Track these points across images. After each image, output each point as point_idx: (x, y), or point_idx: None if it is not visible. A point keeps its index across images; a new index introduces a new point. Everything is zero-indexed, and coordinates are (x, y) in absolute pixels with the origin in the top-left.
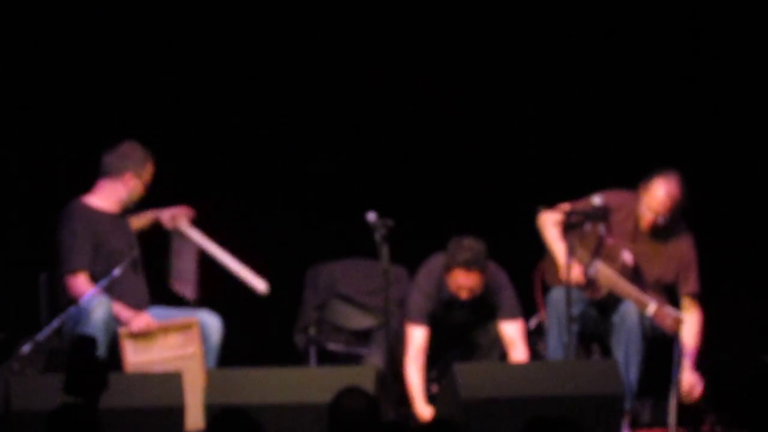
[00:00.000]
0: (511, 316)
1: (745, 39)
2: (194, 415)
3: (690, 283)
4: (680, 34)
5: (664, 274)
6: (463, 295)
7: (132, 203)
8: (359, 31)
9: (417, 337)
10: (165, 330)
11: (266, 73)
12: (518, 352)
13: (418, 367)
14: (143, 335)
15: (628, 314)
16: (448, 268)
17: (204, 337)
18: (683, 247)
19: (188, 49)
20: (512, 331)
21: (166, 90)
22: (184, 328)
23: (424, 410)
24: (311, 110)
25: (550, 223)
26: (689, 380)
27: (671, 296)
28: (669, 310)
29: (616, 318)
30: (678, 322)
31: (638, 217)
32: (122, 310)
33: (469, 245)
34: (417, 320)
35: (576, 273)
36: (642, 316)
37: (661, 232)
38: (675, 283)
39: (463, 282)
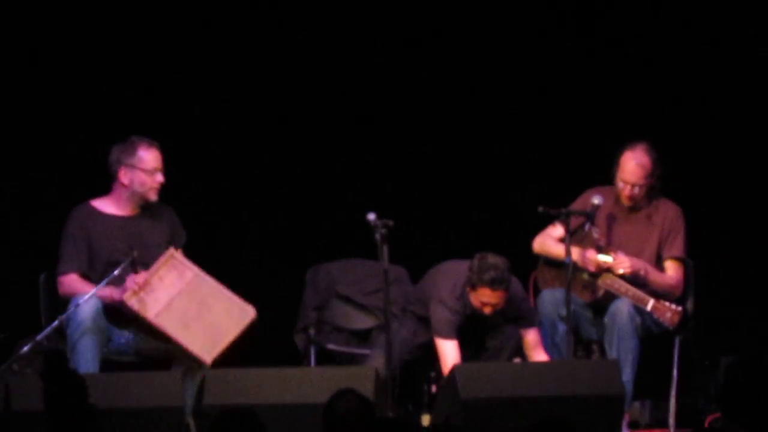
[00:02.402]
0: (532, 324)
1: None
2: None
3: (674, 248)
4: (680, 35)
5: (659, 247)
6: (487, 311)
7: (145, 195)
8: (360, 31)
9: (451, 351)
10: (157, 274)
11: (267, 73)
12: (541, 355)
13: None
14: (143, 289)
15: (618, 314)
16: (473, 286)
17: None
18: (669, 215)
19: (189, 50)
20: (535, 338)
21: (168, 90)
22: (169, 261)
23: None
24: (312, 110)
25: (546, 238)
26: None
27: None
28: (667, 303)
29: (606, 318)
30: (677, 314)
31: (618, 198)
32: (106, 290)
33: (494, 263)
34: (448, 336)
35: (591, 257)
36: (634, 314)
37: (645, 208)
38: (662, 249)
39: (489, 300)
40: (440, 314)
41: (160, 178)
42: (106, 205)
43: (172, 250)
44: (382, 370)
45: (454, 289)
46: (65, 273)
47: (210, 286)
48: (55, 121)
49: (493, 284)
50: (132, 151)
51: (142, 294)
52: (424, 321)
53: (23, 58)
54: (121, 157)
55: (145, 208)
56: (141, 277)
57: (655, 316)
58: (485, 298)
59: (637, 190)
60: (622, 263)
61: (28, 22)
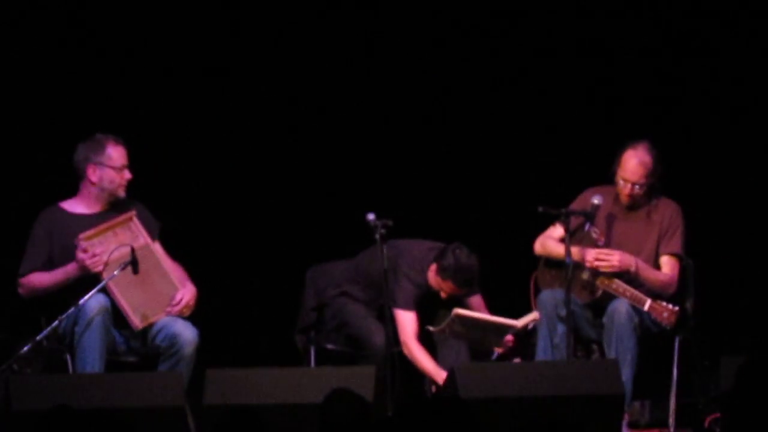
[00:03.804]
0: (478, 291)
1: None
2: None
3: (671, 244)
4: (680, 34)
5: (658, 245)
6: (444, 296)
7: (114, 192)
8: (359, 31)
9: (410, 321)
10: (113, 230)
11: (267, 72)
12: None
13: (419, 346)
14: (95, 236)
15: (616, 314)
16: (442, 276)
17: (176, 349)
18: (668, 213)
19: (188, 48)
20: (479, 302)
21: (167, 89)
22: (126, 222)
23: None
24: (311, 110)
25: (547, 239)
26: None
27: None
28: (664, 303)
29: (605, 318)
30: (674, 313)
31: (618, 197)
32: (73, 270)
33: (469, 264)
34: (408, 307)
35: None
36: (633, 314)
37: (645, 206)
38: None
39: (452, 293)
40: (404, 286)
41: (127, 174)
42: (74, 206)
43: (132, 214)
44: (384, 343)
45: (421, 267)
46: (23, 275)
47: (156, 259)
48: (57, 121)
49: (463, 285)
50: (100, 148)
51: (95, 239)
52: (359, 301)
53: None
54: (89, 155)
55: (114, 204)
56: (97, 258)
57: (653, 316)
58: (449, 290)
59: (637, 188)
60: (619, 260)
61: None
